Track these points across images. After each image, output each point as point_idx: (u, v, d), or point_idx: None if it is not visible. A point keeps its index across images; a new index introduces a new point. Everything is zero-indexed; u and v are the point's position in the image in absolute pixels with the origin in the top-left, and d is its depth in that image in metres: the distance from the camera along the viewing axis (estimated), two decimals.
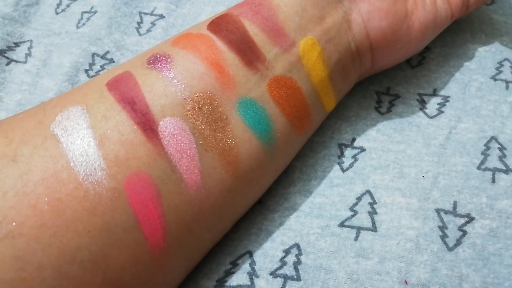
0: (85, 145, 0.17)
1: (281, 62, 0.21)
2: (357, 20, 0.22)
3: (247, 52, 0.20)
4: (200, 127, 0.19)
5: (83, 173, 0.17)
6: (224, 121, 0.19)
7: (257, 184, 0.21)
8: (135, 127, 0.18)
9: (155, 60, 0.20)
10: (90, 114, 0.18)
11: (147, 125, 0.18)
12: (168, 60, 0.20)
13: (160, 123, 0.18)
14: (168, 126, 0.18)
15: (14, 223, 0.16)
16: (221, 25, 0.21)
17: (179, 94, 0.19)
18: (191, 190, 0.18)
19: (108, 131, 0.18)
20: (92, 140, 0.17)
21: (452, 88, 0.26)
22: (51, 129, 0.18)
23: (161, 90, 0.19)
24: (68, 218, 0.17)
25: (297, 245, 0.22)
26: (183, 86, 0.19)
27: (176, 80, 0.19)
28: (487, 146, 0.24)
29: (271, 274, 0.21)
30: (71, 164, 0.17)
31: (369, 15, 0.22)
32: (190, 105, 0.19)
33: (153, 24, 0.30)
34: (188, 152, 0.18)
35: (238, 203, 0.21)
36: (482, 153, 0.24)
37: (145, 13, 0.30)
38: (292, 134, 0.21)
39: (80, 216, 0.17)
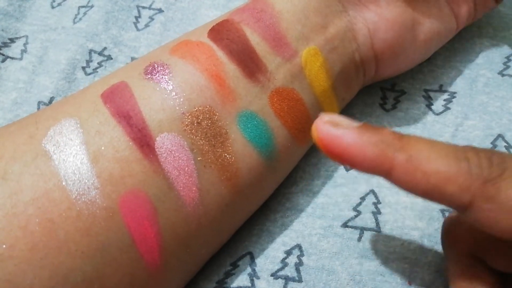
0: (78, 162, 0.17)
1: (283, 73, 0.20)
2: (362, 30, 0.22)
3: (249, 63, 0.20)
4: (198, 143, 0.18)
5: (76, 192, 0.16)
6: (223, 136, 0.19)
7: (256, 197, 0.21)
8: (130, 143, 0.17)
9: (153, 70, 0.19)
10: (83, 128, 0.17)
11: (143, 141, 0.17)
12: (167, 70, 0.19)
13: (157, 139, 0.18)
14: (165, 142, 0.18)
15: (4, 246, 0.16)
16: (222, 33, 0.20)
17: (177, 108, 0.18)
18: (188, 207, 0.18)
19: (102, 148, 0.17)
20: (85, 157, 0.17)
21: (458, 84, 0.26)
22: (43, 144, 0.17)
23: (159, 104, 0.18)
24: (60, 239, 0.16)
25: (298, 246, 0.21)
26: (181, 99, 0.18)
27: (174, 93, 0.18)
28: (494, 144, 0.23)
29: (272, 275, 0.21)
30: (63, 183, 0.16)
31: (375, 25, 0.22)
32: (189, 120, 0.18)
33: (151, 18, 0.29)
34: (186, 169, 0.18)
35: (236, 216, 0.20)
36: None
37: (143, 7, 0.29)
38: (294, 147, 0.21)
39: (73, 237, 0.16)
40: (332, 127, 0.16)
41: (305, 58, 0.20)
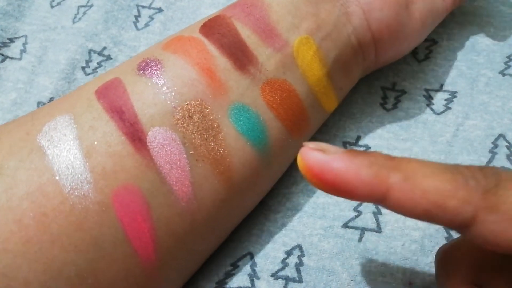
0: (71, 157, 0.17)
1: (274, 64, 0.20)
2: (356, 12, 0.21)
3: (239, 55, 0.20)
4: (190, 137, 0.18)
5: (69, 187, 0.17)
6: (215, 129, 0.19)
7: (252, 192, 0.21)
8: (123, 138, 0.17)
9: (146, 66, 0.19)
10: (77, 124, 0.18)
11: (136, 135, 0.18)
12: (159, 66, 0.19)
13: (149, 133, 0.18)
14: (157, 136, 0.18)
15: None
16: (213, 28, 0.20)
17: (168, 102, 0.18)
18: (182, 202, 0.18)
19: (95, 143, 0.17)
20: (78, 152, 0.17)
21: (459, 83, 0.25)
22: (38, 140, 0.17)
23: (150, 99, 0.18)
24: (53, 233, 0.16)
25: (299, 246, 0.21)
26: (173, 93, 0.18)
27: (166, 88, 0.18)
28: (495, 144, 0.23)
29: (272, 276, 0.21)
30: (57, 178, 0.17)
31: (369, 5, 0.21)
32: (180, 114, 0.18)
33: (151, 18, 0.29)
34: (178, 163, 0.18)
35: (232, 213, 0.20)
36: (490, 151, 0.23)
37: (143, 6, 0.29)
38: (289, 139, 0.21)
39: (66, 231, 0.16)
40: (320, 154, 0.15)
41: (297, 48, 0.20)
